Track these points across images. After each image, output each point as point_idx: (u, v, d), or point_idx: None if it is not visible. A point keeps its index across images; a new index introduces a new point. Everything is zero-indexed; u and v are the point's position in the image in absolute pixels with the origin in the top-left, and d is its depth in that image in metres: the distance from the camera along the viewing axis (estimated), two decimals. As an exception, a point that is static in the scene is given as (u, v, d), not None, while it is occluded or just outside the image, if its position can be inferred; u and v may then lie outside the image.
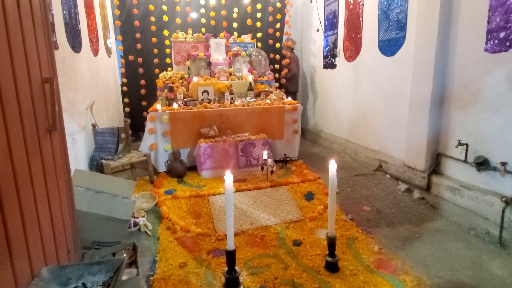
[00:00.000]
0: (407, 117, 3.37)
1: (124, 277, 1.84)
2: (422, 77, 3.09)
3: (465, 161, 2.78)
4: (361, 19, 4.22)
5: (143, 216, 2.68)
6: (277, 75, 5.81)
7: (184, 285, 1.95)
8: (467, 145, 2.75)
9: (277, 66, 5.87)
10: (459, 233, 2.50)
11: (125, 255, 2.04)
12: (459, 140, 2.78)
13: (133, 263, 2.04)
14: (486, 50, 2.55)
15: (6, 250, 1.22)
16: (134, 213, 2.64)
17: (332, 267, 2.07)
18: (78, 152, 3.12)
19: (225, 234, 2.37)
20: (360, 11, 4.21)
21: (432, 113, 3.05)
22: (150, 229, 2.58)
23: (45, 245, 1.52)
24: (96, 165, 3.32)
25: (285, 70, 5.66)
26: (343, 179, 3.50)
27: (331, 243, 2.07)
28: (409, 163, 3.35)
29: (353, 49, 4.46)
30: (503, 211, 2.32)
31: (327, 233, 2.10)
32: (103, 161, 3.24)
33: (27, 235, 1.37)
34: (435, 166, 3.14)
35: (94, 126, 3.54)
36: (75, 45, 3.27)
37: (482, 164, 2.59)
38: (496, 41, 2.46)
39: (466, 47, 2.75)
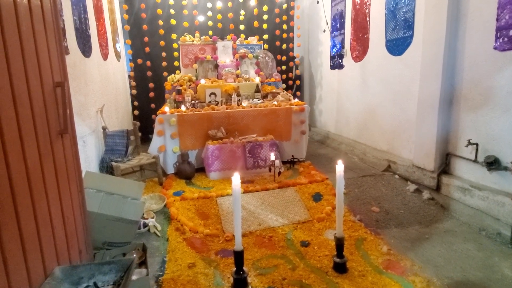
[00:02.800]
0: (416, 116, 3.34)
1: (134, 277, 1.87)
2: (431, 76, 3.07)
3: (475, 160, 2.74)
4: (368, 19, 4.20)
5: (152, 217, 2.72)
6: (284, 76, 5.83)
7: (193, 285, 1.97)
8: (477, 144, 2.72)
9: (284, 67, 5.88)
10: (469, 234, 2.46)
11: (135, 255, 2.08)
12: (469, 140, 2.74)
13: (143, 263, 2.07)
14: (495, 48, 2.51)
15: (21, 250, 1.26)
16: (143, 214, 2.68)
17: (341, 268, 2.06)
18: (89, 154, 3.18)
19: (233, 235, 2.38)
20: (367, 11, 4.19)
21: (441, 112, 3.01)
22: (159, 230, 2.61)
23: (57, 245, 1.56)
24: (106, 167, 3.37)
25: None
26: (351, 180, 3.48)
27: (339, 243, 2.07)
28: (418, 163, 3.32)
29: (360, 49, 4.44)
30: (515, 211, 2.28)
31: (335, 233, 2.09)
32: (113, 163, 3.29)
33: (40, 235, 1.40)
34: (445, 166, 3.10)
35: (104, 128, 3.60)
36: (85, 50, 3.33)
37: (493, 163, 2.55)
38: (506, 39, 2.42)
39: (475, 45, 2.71)
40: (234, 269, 1.95)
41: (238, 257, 1.91)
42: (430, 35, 3.05)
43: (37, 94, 1.47)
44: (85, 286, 1.50)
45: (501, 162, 2.54)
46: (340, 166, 2.02)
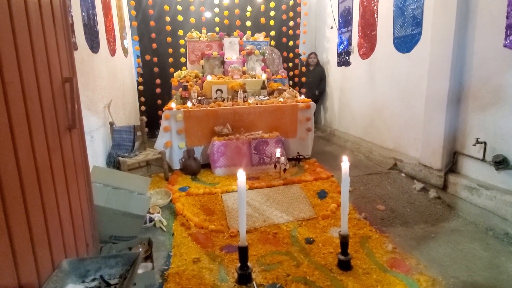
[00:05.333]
0: (423, 114, 3.31)
1: (139, 271, 1.90)
2: (439, 74, 3.03)
3: (483, 159, 2.71)
4: (375, 16, 4.15)
5: (158, 212, 2.74)
6: (291, 73, 5.80)
7: (198, 280, 1.99)
8: (485, 143, 2.68)
9: (290, 64, 5.86)
10: (476, 234, 2.44)
11: (140, 249, 2.10)
12: (477, 138, 2.71)
13: (148, 257, 2.10)
14: (505, 45, 2.47)
15: (29, 243, 1.28)
16: (149, 209, 2.71)
17: (345, 265, 2.06)
18: (96, 149, 3.21)
19: (238, 231, 2.40)
20: (375, 7, 4.15)
21: (449, 111, 2.98)
22: (165, 225, 2.63)
23: (65, 238, 1.58)
24: (113, 162, 3.41)
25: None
26: (357, 178, 3.46)
27: (344, 241, 2.07)
28: (425, 161, 3.29)
29: (368, 46, 4.40)
30: (523, 212, 2.25)
31: (340, 231, 2.09)
32: (120, 158, 3.33)
33: (49, 228, 1.43)
34: (452, 164, 3.07)
35: (111, 124, 3.63)
36: (93, 46, 3.36)
37: (501, 163, 2.52)
38: (517, 36, 2.38)
39: (484, 43, 2.67)
40: (239, 264, 1.96)
41: (243, 252, 1.92)
42: (439, 32, 3.01)
43: (46, 89, 1.49)
44: (91, 278, 1.53)
45: (509, 161, 2.51)
46: (345, 164, 2.02)
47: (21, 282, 1.20)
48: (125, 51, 5.12)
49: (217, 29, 5.46)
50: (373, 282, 1.93)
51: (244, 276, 1.93)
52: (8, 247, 1.15)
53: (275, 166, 3.65)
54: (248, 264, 1.96)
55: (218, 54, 4.96)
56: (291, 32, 5.84)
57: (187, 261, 2.18)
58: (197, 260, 2.19)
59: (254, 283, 1.94)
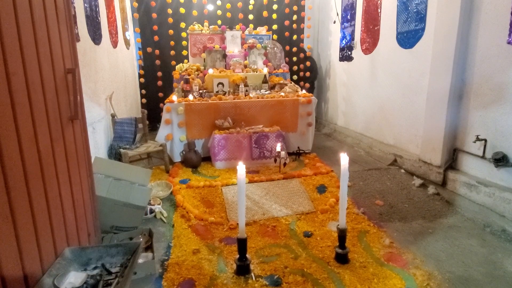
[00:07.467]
0: (425, 111, 3.31)
1: (140, 260, 1.93)
2: (441, 70, 3.02)
3: (483, 157, 2.72)
4: (379, 11, 4.13)
5: (159, 204, 2.77)
6: (295, 67, 5.78)
7: (197, 270, 2.02)
8: (485, 140, 2.69)
9: (294, 58, 5.83)
10: (474, 230, 2.46)
11: (141, 239, 2.13)
12: (477, 135, 2.72)
13: (149, 247, 2.13)
14: (509, 42, 2.46)
15: (33, 231, 1.31)
16: (150, 200, 2.73)
17: (342, 258, 2.09)
18: (98, 141, 3.23)
19: (237, 223, 2.42)
20: (379, 2, 4.12)
21: (450, 107, 2.98)
22: (165, 217, 2.66)
23: (67, 227, 1.61)
24: (114, 154, 3.43)
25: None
26: (357, 173, 3.48)
27: (342, 235, 2.09)
28: (424, 158, 3.30)
29: (371, 41, 4.39)
30: (520, 209, 2.27)
31: (338, 225, 2.12)
32: (121, 150, 3.35)
33: (52, 217, 1.45)
34: (452, 161, 3.08)
35: (113, 116, 3.65)
36: (96, 37, 3.36)
37: (501, 160, 2.52)
38: (520, 34, 2.37)
39: (487, 39, 2.66)
40: (237, 256, 1.99)
41: (241, 244, 1.95)
42: (442, 28, 3.00)
43: (49, 80, 1.50)
44: (93, 267, 1.56)
45: (509, 158, 2.52)
46: (344, 159, 2.03)
47: (25, 269, 1.23)
48: (127, 43, 5.11)
49: (219, 22, 5.44)
50: (369, 275, 1.96)
51: (243, 267, 1.96)
52: (13, 235, 1.17)
53: (275, 160, 3.67)
54: (247, 255, 1.99)
55: (220, 47, 4.95)
56: (294, 26, 5.80)
57: (187, 252, 2.22)
58: (197, 251, 2.22)
59: (252, 274, 1.97)
